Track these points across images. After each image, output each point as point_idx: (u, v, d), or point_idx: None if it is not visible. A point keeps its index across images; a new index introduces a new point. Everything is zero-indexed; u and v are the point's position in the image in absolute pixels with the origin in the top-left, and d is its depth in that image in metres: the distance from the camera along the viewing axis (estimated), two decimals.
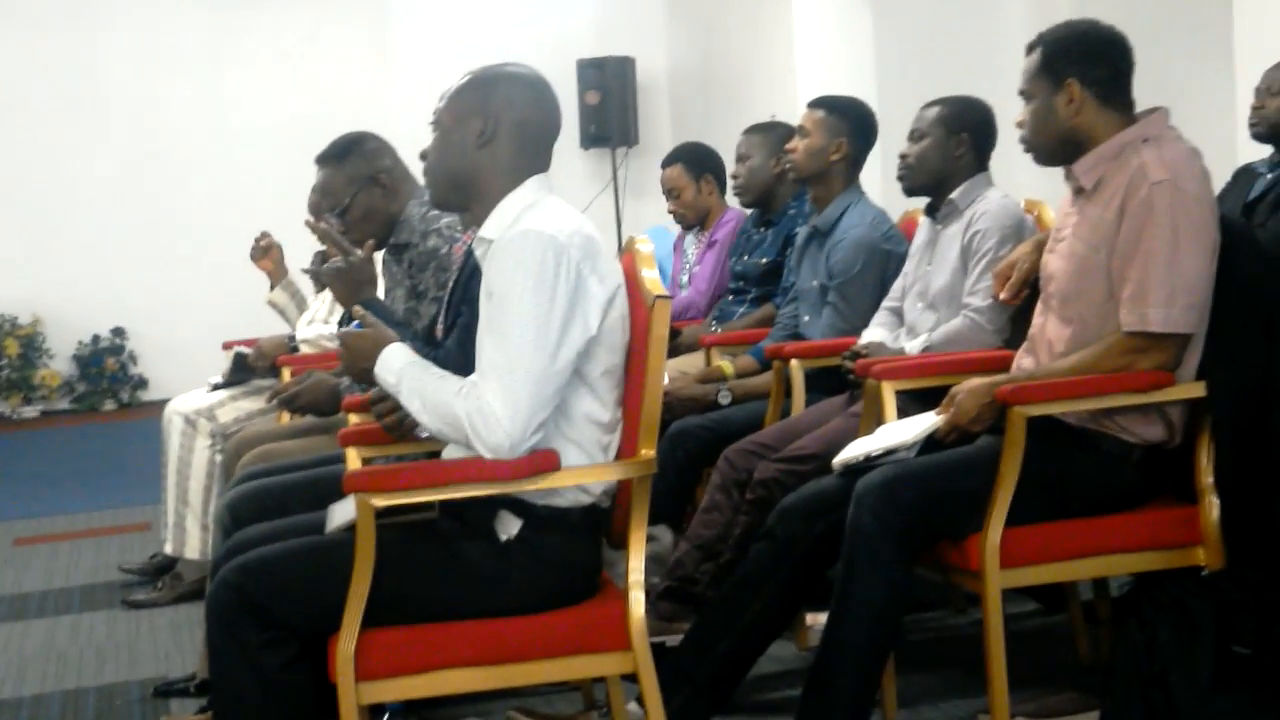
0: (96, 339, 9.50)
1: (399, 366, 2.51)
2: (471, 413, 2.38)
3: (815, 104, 3.98)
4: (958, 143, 3.51)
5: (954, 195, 3.51)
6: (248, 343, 4.75)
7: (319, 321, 4.77)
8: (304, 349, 4.50)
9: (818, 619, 3.32)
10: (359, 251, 3.19)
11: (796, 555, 2.94)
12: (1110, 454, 2.83)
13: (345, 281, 3.03)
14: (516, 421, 2.37)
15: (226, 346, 4.92)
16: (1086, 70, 2.86)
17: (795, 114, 4.32)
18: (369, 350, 2.55)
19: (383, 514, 2.40)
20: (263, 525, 2.80)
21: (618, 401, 2.56)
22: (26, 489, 6.96)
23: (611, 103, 9.61)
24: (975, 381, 2.86)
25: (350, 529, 2.43)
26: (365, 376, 2.59)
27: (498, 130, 2.54)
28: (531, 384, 2.38)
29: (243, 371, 4.58)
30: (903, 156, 3.58)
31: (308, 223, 3.06)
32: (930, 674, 3.34)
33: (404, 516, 2.51)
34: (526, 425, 2.38)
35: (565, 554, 2.52)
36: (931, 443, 2.85)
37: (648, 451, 2.52)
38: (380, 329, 2.60)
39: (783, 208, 4.41)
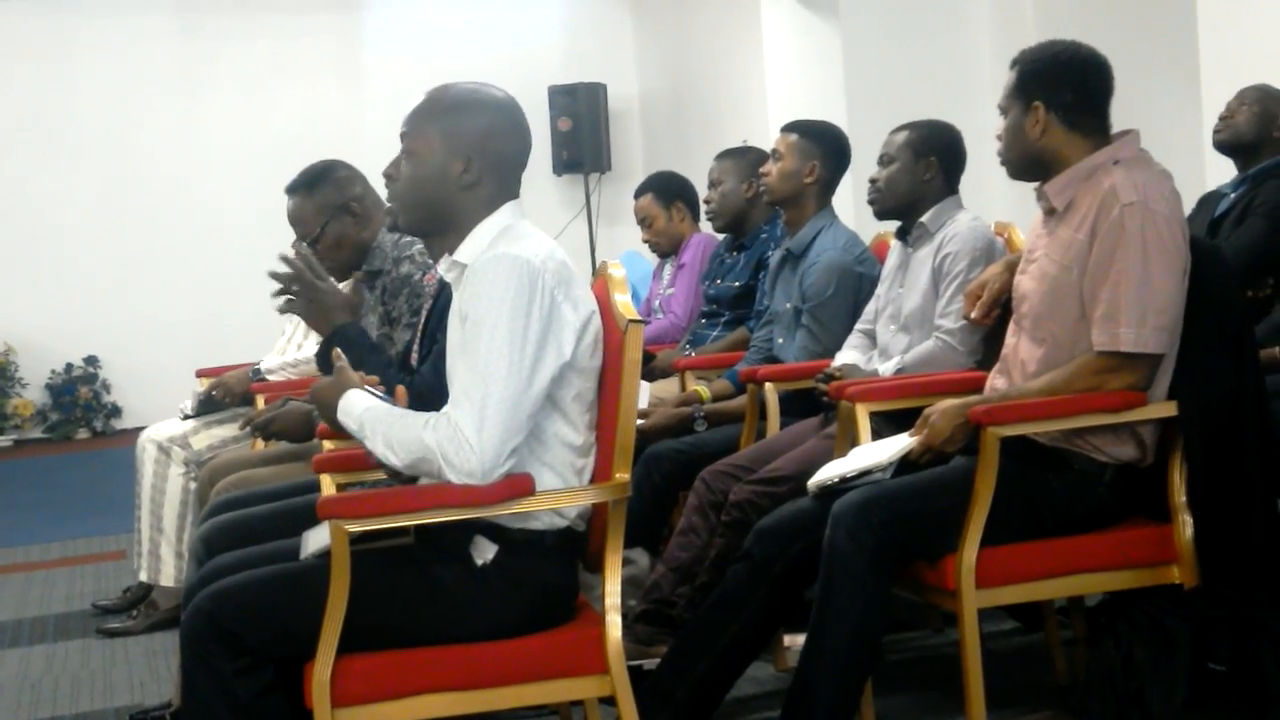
0: (70, 367, 9.46)
1: (359, 412, 2.50)
2: (442, 441, 2.38)
3: (789, 128, 4.00)
4: (926, 166, 3.54)
5: (924, 218, 3.53)
6: (218, 371, 4.74)
7: (294, 346, 4.76)
8: (270, 379, 4.49)
9: (795, 640, 3.32)
10: (330, 279, 3.18)
11: (773, 576, 2.94)
12: (1083, 473, 2.85)
13: (318, 310, 3.03)
14: (489, 447, 2.37)
15: (200, 374, 4.91)
16: (1054, 95, 2.89)
17: (767, 139, 4.35)
18: (331, 399, 2.54)
19: (357, 540, 2.40)
20: (237, 552, 2.78)
21: (590, 425, 2.56)
22: (0, 518, 6.92)
23: (583, 129, 9.64)
24: (948, 403, 2.88)
25: (325, 555, 2.42)
26: (336, 425, 2.57)
27: (476, 158, 2.54)
28: (505, 409, 2.38)
29: (212, 404, 4.58)
30: (872, 180, 3.61)
31: (282, 257, 3.05)
32: (909, 694, 3.34)
33: (379, 542, 2.51)
34: (499, 451, 2.38)
35: (541, 578, 2.52)
36: (906, 464, 2.86)
37: (622, 475, 2.52)
38: (342, 375, 2.57)
39: (755, 231, 4.43)
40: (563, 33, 10.09)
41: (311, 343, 4.70)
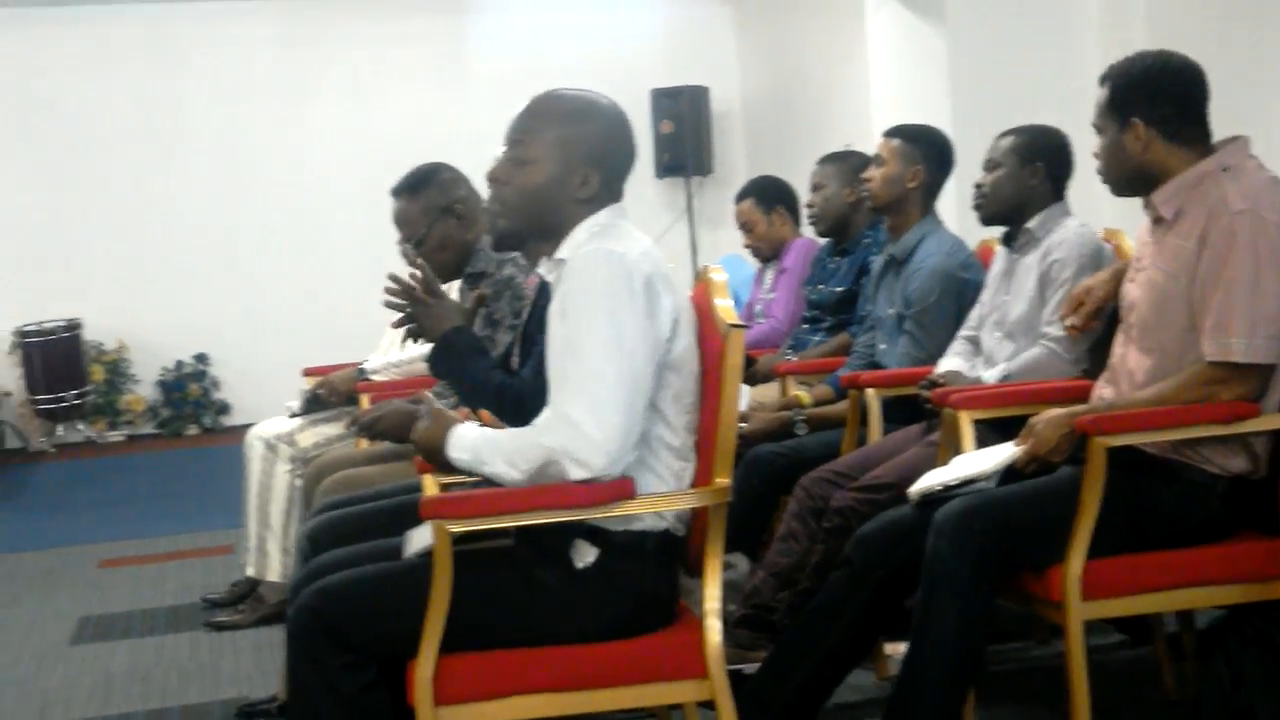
0: (180, 365, 9.66)
1: (470, 443, 2.51)
2: (562, 441, 2.39)
3: (892, 133, 3.98)
4: (1032, 172, 3.50)
5: (1031, 224, 3.49)
6: (324, 370, 4.81)
7: (397, 346, 4.82)
8: (375, 379, 4.55)
9: (897, 648, 3.30)
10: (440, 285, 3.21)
11: (874, 584, 2.92)
12: (1193, 485, 2.80)
13: (430, 321, 3.05)
14: (609, 437, 2.38)
15: (306, 373, 4.98)
16: (1152, 109, 2.84)
17: (870, 143, 4.32)
18: (437, 442, 2.54)
19: (459, 540, 2.43)
20: (341, 550, 2.82)
21: (690, 428, 2.57)
22: (112, 512, 7.08)
23: (685, 132, 9.65)
24: (1054, 412, 2.84)
25: (427, 555, 2.45)
26: (448, 468, 2.59)
27: (584, 164, 2.56)
28: (618, 397, 2.39)
29: (318, 403, 4.64)
30: (978, 186, 3.57)
31: (391, 276, 3.07)
32: (1012, 706, 3.31)
33: (480, 543, 2.53)
34: (621, 440, 2.39)
35: (641, 581, 2.53)
36: (1010, 473, 2.83)
37: (723, 479, 2.52)
38: (440, 415, 2.58)
39: (857, 236, 4.41)
40: (665, 35, 10.11)
41: (415, 343, 4.76)
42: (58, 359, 9.08)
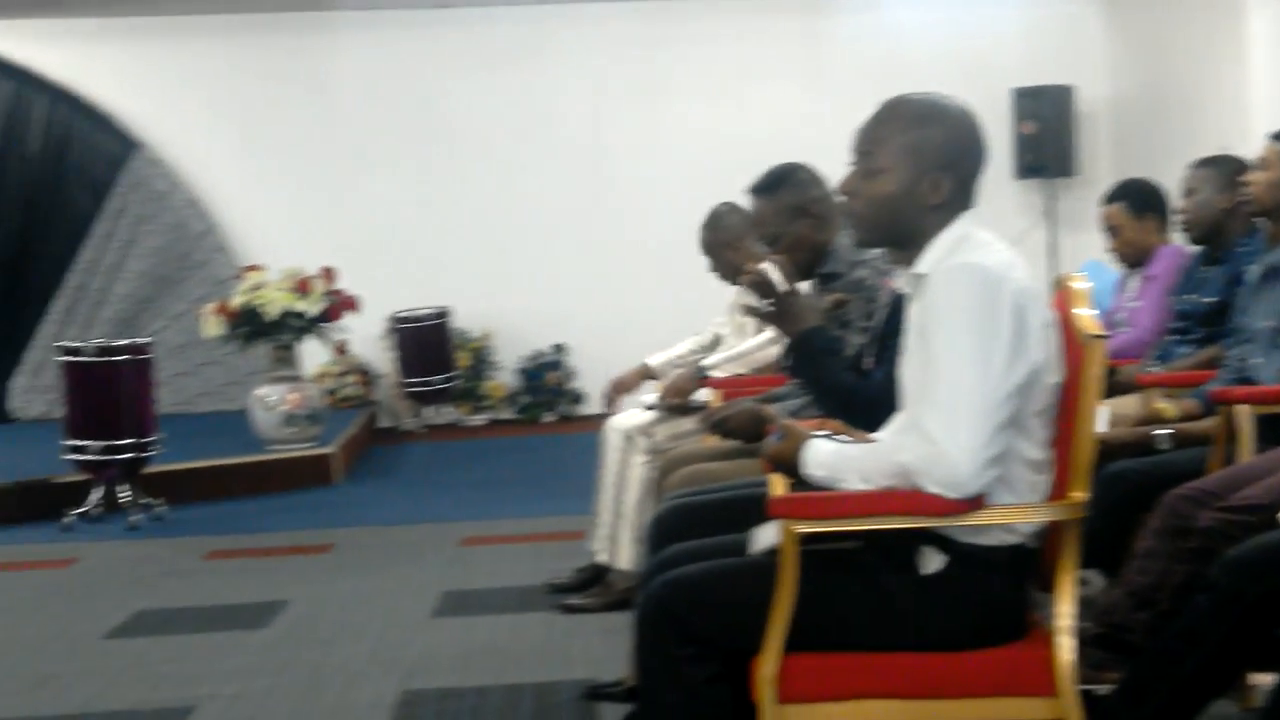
0: (539, 354, 10.04)
1: (826, 458, 2.52)
2: (919, 458, 2.38)
3: (1278, 136, 3.76)
4: None
5: None
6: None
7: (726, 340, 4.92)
8: (716, 374, 4.61)
9: (1263, 679, 3.12)
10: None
11: (1241, 611, 2.77)
12: None
13: (787, 318, 3.07)
14: (966, 457, 2.35)
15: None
16: None
17: (1246, 147, 4.10)
18: (791, 458, 2.57)
19: (806, 540, 2.44)
20: (688, 543, 2.89)
21: (1048, 441, 2.50)
22: (474, 493, 7.43)
23: (1048, 132, 9.39)
24: None
25: (773, 553, 2.48)
26: (800, 480, 2.60)
27: (936, 169, 2.54)
28: (977, 418, 2.36)
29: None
30: None
31: (752, 270, 3.12)
32: None
33: (827, 544, 2.54)
34: (977, 460, 2.36)
35: (990, 593, 2.48)
36: None
37: (1079, 494, 2.45)
38: (792, 431, 2.60)
39: (1231, 245, 4.19)
40: (1028, 33, 9.84)
41: (746, 336, 4.82)
42: (428, 345, 9.60)
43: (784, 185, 3.87)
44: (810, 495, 2.60)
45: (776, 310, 2.98)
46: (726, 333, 5.09)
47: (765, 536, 2.60)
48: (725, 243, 4.99)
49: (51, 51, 9.92)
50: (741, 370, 4.62)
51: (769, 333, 4.63)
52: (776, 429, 2.66)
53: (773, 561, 2.45)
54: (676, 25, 9.98)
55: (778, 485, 2.99)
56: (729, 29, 9.96)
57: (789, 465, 2.58)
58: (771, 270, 3.07)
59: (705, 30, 9.97)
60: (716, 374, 4.60)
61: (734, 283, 5.02)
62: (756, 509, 2.65)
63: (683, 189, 9.70)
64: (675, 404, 4.68)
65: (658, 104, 10.01)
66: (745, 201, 3.92)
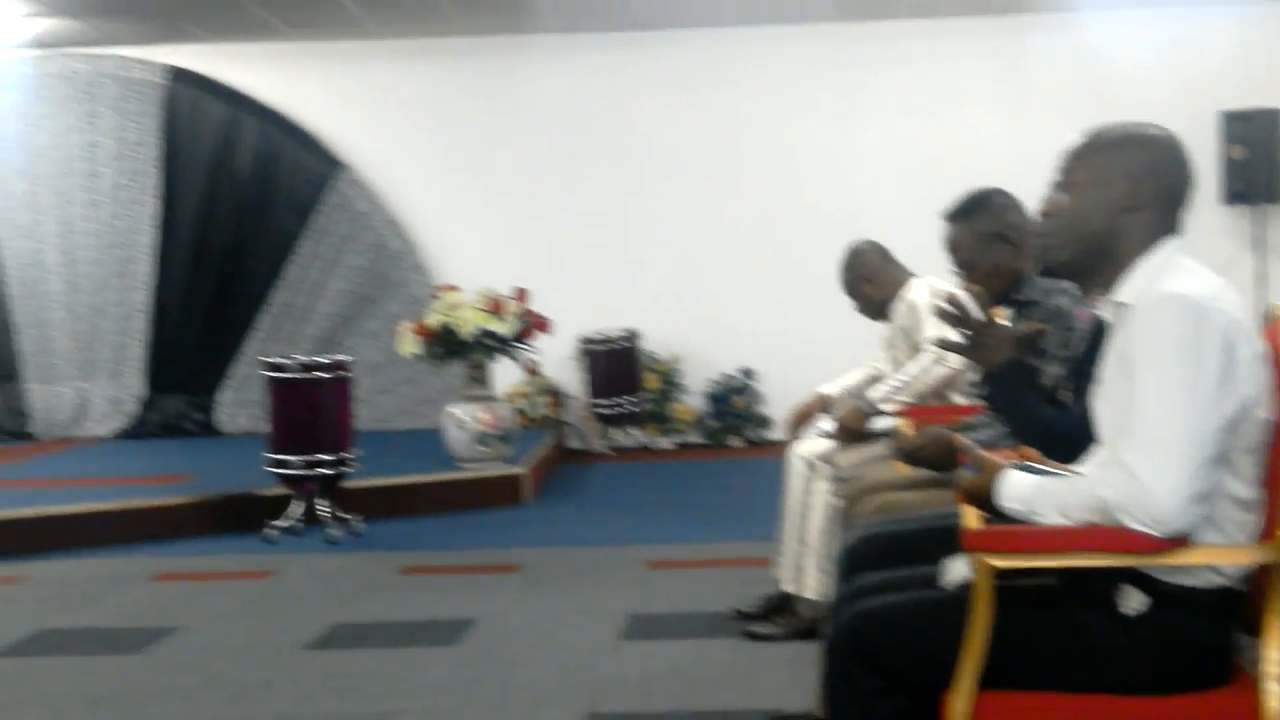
0: (727, 378, 10.04)
1: (1022, 492, 2.48)
2: (1119, 495, 2.31)
3: None
4: None
5: None
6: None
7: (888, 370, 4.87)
8: (886, 407, 4.55)
9: None
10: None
11: None
12: None
13: (986, 344, 3.01)
14: (1175, 494, 2.28)
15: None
16: None
17: None
18: (986, 490, 2.53)
19: (1000, 575, 2.39)
20: (879, 574, 2.85)
21: (1259, 480, 2.41)
22: (660, 515, 7.46)
23: (1257, 157, 9.06)
24: None
25: (966, 586, 2.43)
26: (995, 513, 2.56)
27: (1140, 195, 2.48)
28: (1186, 453, 2.28)
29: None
30: None
31: (949, 298, 3.07)
32: None
33: (1022, 579, 2.48)
34: (1187, 497, 2.28)
35: (1194, 636, 2.40)
36: None
37: None
38: (985, 462, 2.56)
39: None
40: (1239, 55, 9.51)
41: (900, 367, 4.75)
42: (618, 367, 9.69)
43: (980, 210, 3.81)
44: (1006, 529, 2.54)
45: (973, 342, 2.92)
46: (885, 369, 5.04)
47: (957, 570, 2.56)
48: (865, 278, 4.99)
49: (262, 75, 10.32)
50: (909, 399, 4.56)
51: (924, 358, 4.57)
52: (970, 460, 2.61)
53: (965, 596, 2.41)
54: (871, 46, 9.91)
55: (971, 518, 2.94)
56: (925, 50, 9.85)
57: (983, 498, 2.53)
58: (967, 301, 3.02)
59: (901, 51, 9.87)
60: (887, 407, 4.55)
61: (876, 319, 5.01)
62: (950, 541, 2.61)
63: (875, 212, 9.62)
64: (850, 434, 4.64)
65: (851, 126, 9.94)
66: (939, 228, 3.86)
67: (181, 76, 10.34)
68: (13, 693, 4.40)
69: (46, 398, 10.49)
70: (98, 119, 10.39)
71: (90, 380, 10.50)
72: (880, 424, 4.62)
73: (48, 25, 9.80)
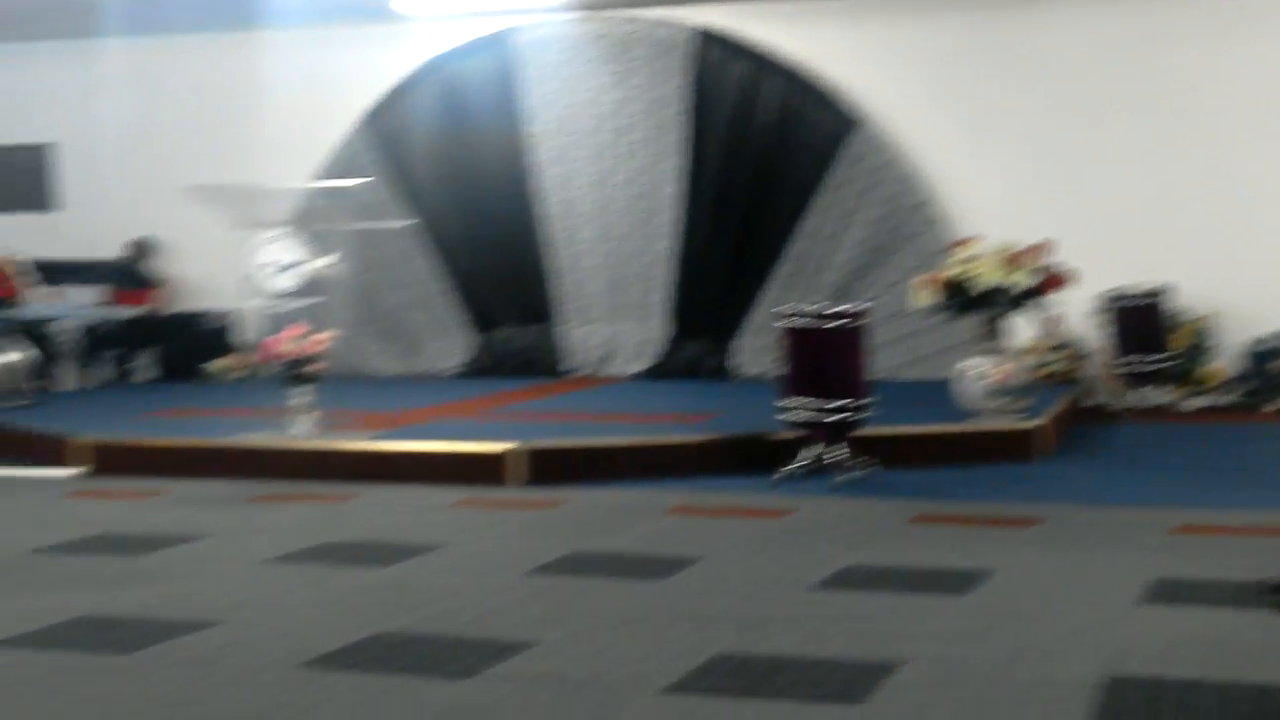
0: (1268, 339, 9.38)
1: None
2: None
3: None
4: None
5: None
6: None
7: None
8: None
9: None
10: None
11: None
12: None
13: None
14: None
15: None
16: None
17: None
18: None
19: None
20: None
21: None
22: (1186, 479, 7.12)
23: None
24: None
25: None
26: None
27: None
28: None
29: None
30: None
31: None
32: None
33: None
34: None
35: None
36: None
37: None
38: None
39: None
40: None
41: None
42: (1143, 324, 9.27)
43: None
44: None
45: None
46: None
47: None
48: None
49: (783, 32, 10.50)
50: None
51: None
52: None
53: None
54: None
55: None
56: None
57: None
58: None
59: None
60: None
61: None
62: None
63: None
64: None
65: None
66: None
67: (706, 36, 10.69)
68: (545, 610, 4.71)
69: (582, 338, 11.22)
70: (628, 77, 10.93)
71: (619, 323, 11.12)
72: None
73: None
